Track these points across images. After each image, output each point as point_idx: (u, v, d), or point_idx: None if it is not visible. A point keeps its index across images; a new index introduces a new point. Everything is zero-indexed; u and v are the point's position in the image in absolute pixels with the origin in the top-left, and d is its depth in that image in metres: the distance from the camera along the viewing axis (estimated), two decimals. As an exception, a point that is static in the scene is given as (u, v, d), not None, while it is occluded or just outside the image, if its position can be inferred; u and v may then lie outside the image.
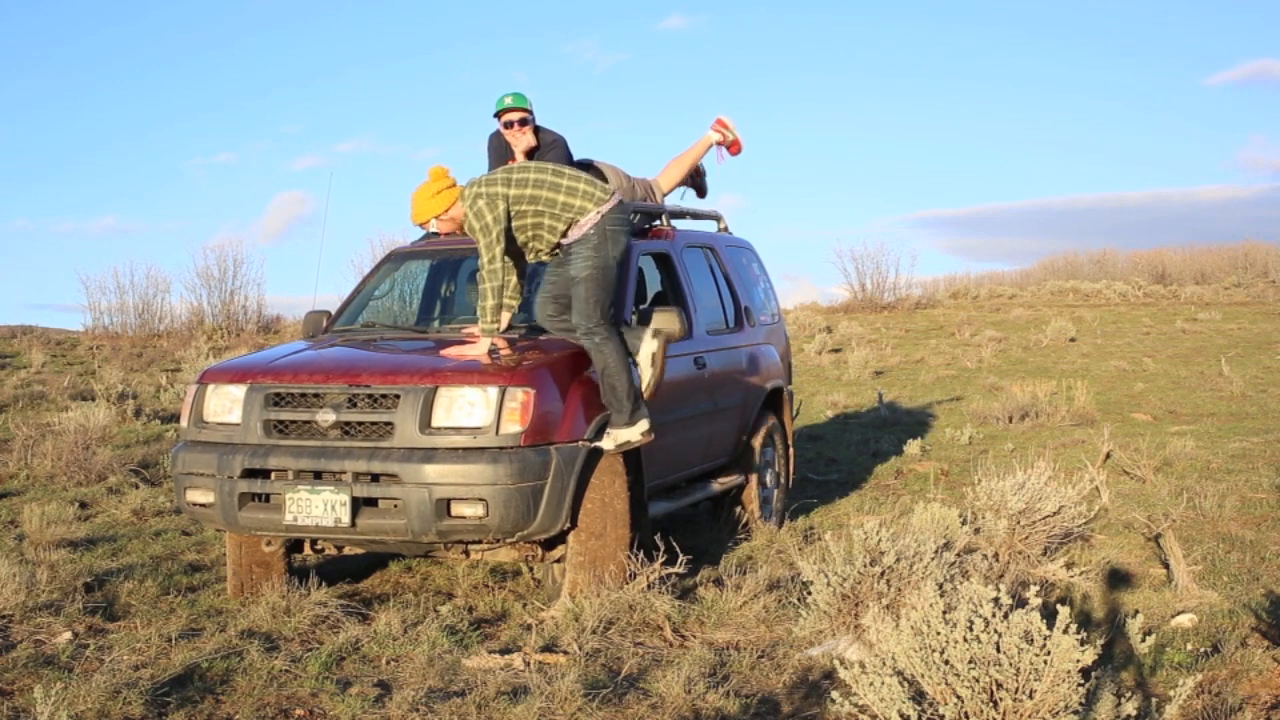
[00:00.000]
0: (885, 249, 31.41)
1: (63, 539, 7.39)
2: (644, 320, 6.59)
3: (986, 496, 6.47)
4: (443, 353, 5.90)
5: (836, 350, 21.51)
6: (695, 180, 8.40)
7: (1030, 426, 12.44)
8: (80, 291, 31.52)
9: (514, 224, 5.96)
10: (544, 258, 6.16)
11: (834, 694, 3.79)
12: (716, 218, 8.62)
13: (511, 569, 6.87)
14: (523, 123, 7.07)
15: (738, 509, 7.81)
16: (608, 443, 5.88)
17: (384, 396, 5.62)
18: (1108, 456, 9.05)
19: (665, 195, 8.10)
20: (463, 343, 6.02)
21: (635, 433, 5.92)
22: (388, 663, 5.02)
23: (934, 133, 63.91)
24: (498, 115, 7.14)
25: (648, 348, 6.14)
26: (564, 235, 6.01)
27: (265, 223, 50.22)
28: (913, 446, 11.01)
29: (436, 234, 6.09)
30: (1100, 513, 7.12)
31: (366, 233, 36.28)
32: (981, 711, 3.53)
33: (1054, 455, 9.49)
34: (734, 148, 8.22)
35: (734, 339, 7.95)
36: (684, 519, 8.08)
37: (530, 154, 7.16)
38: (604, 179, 7.64)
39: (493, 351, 5.88)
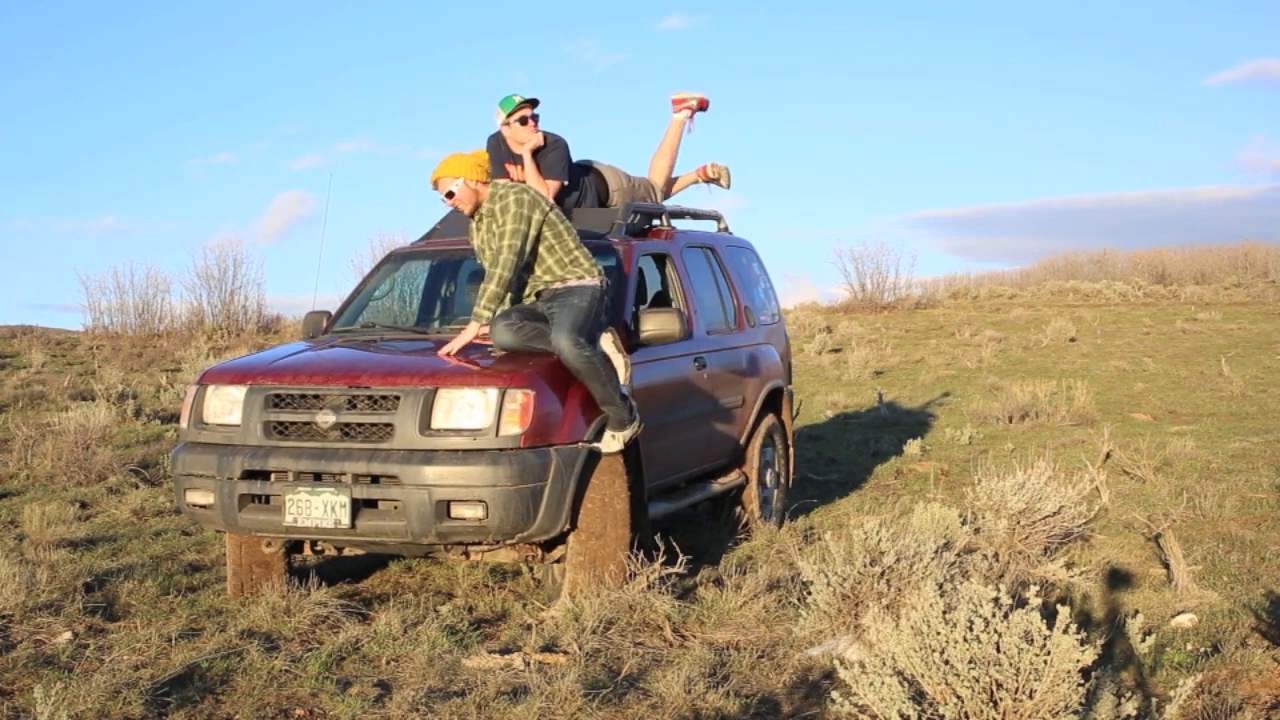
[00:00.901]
0: (885, 249, 31.37)
1: (63, 539, 7.39)
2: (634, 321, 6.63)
3: (986, 496, 6.47)
4: (439, 353, 5.93)
5: (836, 350, 21.51)
6: (713, 178, 8.44)
7: (1030, 426, 12.44)
8: (80, 291, 31.49)
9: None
10: (526, 290, 6.17)
11: (834, 694, 3.80)
12: (716, 218, 8.63)
13: (511, 569, 6.87)
14: (535, 118, 7.10)
15: (738, 509, 7.81)
16: (614, 444, 5.89)
17: (384, 398, 5.62)
18: (1108, 456, 9.05)
19: (661, 190, 8.14)
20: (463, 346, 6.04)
21: (635, 425, 5.98)
22: (388, 663, 5.02)
23: (934, 133, 63.94)
24: (510, 114, 7.12)
25: (605, 344, 6.13)
26: (561, 281, 6.06)
27: (265, 223, 50.25)
28: (913, 446, 11.01)
29: (449, 198, 6.09)
30: (1100, 513, 7.12)
31: (366, 233, 36.30)
32: (981, 711, 3.53)
33: (1054, 455, 9.50)
34: (701, 105, 8.34)
35: (734, 339, 7.95)
36: (684, 519, 8.08)
37: (536, 153, 7.15)
38: (604, 180, 7.66)
39: (488, 350, 5.90)
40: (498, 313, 6.03)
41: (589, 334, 5.93)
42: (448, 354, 5.89)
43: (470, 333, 5.97)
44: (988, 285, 36.21)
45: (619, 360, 6.04)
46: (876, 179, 58.98)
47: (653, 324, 6.54)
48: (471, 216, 6.18)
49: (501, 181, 6.16)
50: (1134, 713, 3.65)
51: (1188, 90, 66.42)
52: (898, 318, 27.54)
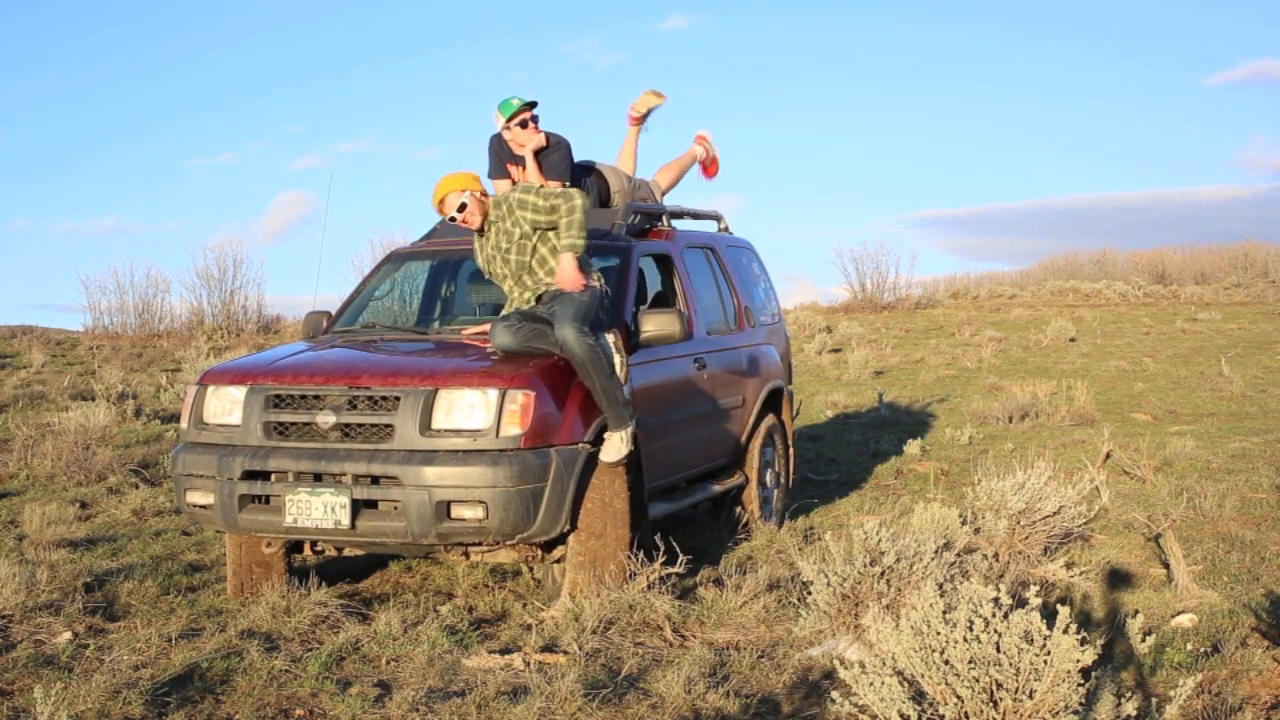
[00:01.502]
0: (885, 249, 31.40)
1: (63, 539, 7.39)
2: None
3: (986, 496, 6.47)
4: (564, 286, 5.95)
5: (836, 350, 21.51)
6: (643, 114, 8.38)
7: (1030, 426, 12.44)
8: (80, 291, 31.42)
9: (539, 236, 6.06)
10: (526, 294, 6.16)
11: (834, 694, 3.80)
12: (716, 218, 8.64)
13: (511, 569, 6.87)
14: (535, 119, 7.11)
15: (738, 509, 7.81)
16: (616, 451, 5.86)
17: (384, 398, 5.63)
18: (1108, 456, 9.05)
19: (664, 195, 8.15)
20: (464, 346, 6.07)
21: (633, 424, 5.98)
22: (388, 663, 5.02)
23: (934, 133, 63.94)
24: (510, 118, 7.11)
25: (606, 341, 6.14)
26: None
27: (265, 223, 50.25)
28: (913, 446, 11.01)
29: (454, 220, 6.11)
30: (1100, 513, 7.12)
31: (366, 233, 36.30)
32: (981, 711, 3.53)
33: (1054, 455, 9.50)
34: (711, 169, 8.41)
35: (734, 339, 7.96)
36: (684, 519, 8.08)
37: (538, 153, 7.15)
38: (605, 180, 7.67)
39: (488, 350, 5.92)
40: (505, 315, 6.05)
41: (592, 326, 5.93)
42: (562, 287, 5.92)
43: (569, 263, 5.91)
44: (988, 285, 36.22)
45: (617, 360, 6.05)
46: (876, 179, 59.02)
47: (653, 324, 6.54)
48: (480, 232, 6.17)
49: (501, 185, 6.20)
50: (1134, 713, 3.65)
51: (1188, 90, 66.46)
52: (898, 318, 27.54)
